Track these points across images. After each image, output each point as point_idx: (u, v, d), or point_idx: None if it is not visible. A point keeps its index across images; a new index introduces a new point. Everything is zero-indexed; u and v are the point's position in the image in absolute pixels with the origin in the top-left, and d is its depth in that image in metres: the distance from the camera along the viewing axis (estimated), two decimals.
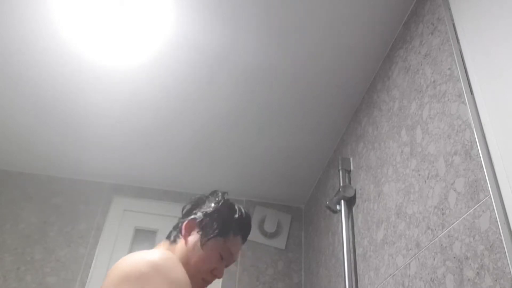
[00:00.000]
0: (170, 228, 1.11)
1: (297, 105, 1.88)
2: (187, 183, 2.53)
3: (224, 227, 1.05)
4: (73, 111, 2.01)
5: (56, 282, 2.20)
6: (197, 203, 1.13)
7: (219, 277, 1.04)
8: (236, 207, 1.11)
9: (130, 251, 2.38)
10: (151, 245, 2.40)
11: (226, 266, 1.06)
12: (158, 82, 1.81)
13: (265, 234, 2.52)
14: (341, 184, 1.74)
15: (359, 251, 1.58)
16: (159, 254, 0.89)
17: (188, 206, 1.13)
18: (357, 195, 1.68)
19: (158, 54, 1.67)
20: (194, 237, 1.03)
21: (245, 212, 1.12)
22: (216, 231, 1.03)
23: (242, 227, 1.09)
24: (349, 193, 1.70)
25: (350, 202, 1.72)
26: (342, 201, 1.71)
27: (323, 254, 2.08)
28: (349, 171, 1.80)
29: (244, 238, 1.10)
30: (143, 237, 2.45)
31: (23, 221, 2.36)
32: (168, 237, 1.08)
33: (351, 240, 1.66)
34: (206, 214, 1.07)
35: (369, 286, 1.44)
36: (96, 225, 2.40)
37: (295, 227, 2.60)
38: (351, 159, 1.82)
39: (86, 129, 2.12)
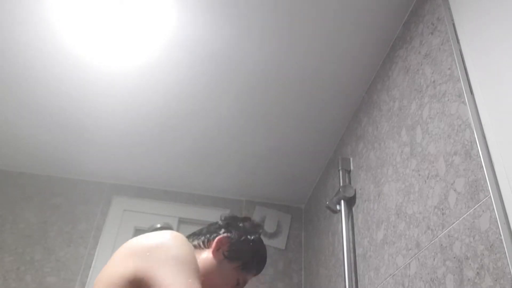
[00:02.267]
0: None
1: (297, 105, 1.87)
2: (187, 183, 2.53)
3: (249, 261, 1.06)
4: (72, 111, 2.01)
5: (56, 282, 2.20)
6: (235, 222, 1.12)
7: None
8: (265, 247, 1.13)
9: None
10: None
11: None
12: (158, 82, 1.81)
13: (265, 234, 2.52)
14: (341, 184, 1.74)
15: (359, 251, 1.58)
16: (169, 232, 0.87)
17: (223, 221, 1.12)
18: (357, 195, 1.68)
19: (159, 55, 1.67)
20: (220, 254, 1.03)
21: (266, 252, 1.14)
22: (241, 260, 1.04)
23: (261, 267, 1.11)
24: (349, 193, 1.70)
25: (350, 202, 1.72)
26: (342, 201, 1.71)
27: (323, 254, 2.08)
28: (349, 171, 1.80)
29: (257, 274, 1.12)
30: None
31: (23, 221, 2.36)
32: (194, 239, 1.07)
33: (351, 240, 1.66)
34: (240, 240, 1.06)
35: (369, 286, 1.44)
36: (96, 225, 2.40)
37: (295, 227, 2.60)
38: (351, 159, 1.82)
39: (86, 129, 2.12)
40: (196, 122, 2.02)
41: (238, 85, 1.79)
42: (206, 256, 1.02)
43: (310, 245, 2.38)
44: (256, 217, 2.57)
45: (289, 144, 2.13)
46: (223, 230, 1.07)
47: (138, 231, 2.46)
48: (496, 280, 0.80)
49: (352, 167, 1.79)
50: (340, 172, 1.78)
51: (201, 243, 1.05)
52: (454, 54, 1.09)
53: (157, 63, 1.71)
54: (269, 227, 2.53)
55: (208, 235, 1.07)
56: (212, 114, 1.96)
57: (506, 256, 0.78)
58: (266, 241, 2.49)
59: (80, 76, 1.80)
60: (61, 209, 2.43)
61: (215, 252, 1.03)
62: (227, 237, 1.05)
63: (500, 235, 0.81)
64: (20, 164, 2.47)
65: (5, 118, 2.09)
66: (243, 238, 1.07)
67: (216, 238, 1.04)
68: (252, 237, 1.09)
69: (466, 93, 1.01)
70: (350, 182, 1.77)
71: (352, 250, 1.62)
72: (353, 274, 1.57)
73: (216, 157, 2.27)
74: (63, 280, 2.21)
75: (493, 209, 0.84)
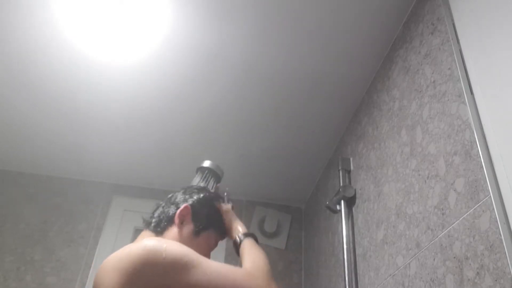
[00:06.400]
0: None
1: (297, 105, 1.87)
2: (188, 183, 2.52)
3: (213, 217, 1.06)
4: (72, 111, 2.01)
5: (56, 282, 2.20)
6: (186, 192, 1.13)
7: None
8: None
9: None
10: None
11: None
12: (156, 80, 1.81)
13: (265, 234, 2.52)
14: (341, 184, 1.74)
15: (359, 251, 1.58)
16: (147, 240, 0.86)
17: (178, 195, 1.12)
18: (357, 195, 1.68)
19: (155, 52, 1.66)
20: (188, 226, 1.01)
21: None
22: (207, 220, 1.03)
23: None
24: (349, 193, 1.70)
25: (350, 202, 1.72)
26: (342, 201, 1.71)
27: (323, 254, 2.08)
28: (349, 171, 1.80)
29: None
30: None
31: (23, 221, 2.35)
32: (152, 227, 1.05)
33: (351, 240, 1.66)
34: (198, 201, 1.06)
35: (369, 286, 1.44)
36: (96, 225, 2.40)
37: (295, 227, 2.60)
38: (351, 159, 1.82)
39: (86, 129, 2.12)
40: (195, 121, 2.02)
41: (237, 84, 1.79)
42: (172, 234, 0.98)
43: (310, 245, 2.38)
44: (256, 217, 2.57)
45: (289, 144, 2.13)
46: (178, 203, 1.06)
47: (138, 231, 2.45)
48: (496, 280, 0.80)
49: (352, 167, 1.79)
50: (340, 172, 1.78)
51: (165, 227, 1.01)
52: (454, 54, 1.09)
53: (154, 60, 1.70)
54: (269, 227, 2.53)
55: (165, 214, 1.04)
56: (212, 113, 1.96)
57: (506, 256, 0.78)
58: (266, 241, 2.50)
59: (81, 75, 1.80)
60: (61, 209, 2.43)
61: (180, 227, 0.99)
62: (185, 207, 1.03)
63: (500, 235, 0.81)
64: (20, 164, 2.47)
65: (5, 118, 2.09)
66: (199, 198, 1.06)
67: (176, 213, 1.01)
68: (206, 195, 1.08)
69: (466, 93, 1.01)
70: (350, 182, 1.77)
71: (352, 250, 1.62)
72: (353, 274, 1.57)
73: (216, 157, 2.26)
74: (63, 280, 2.21)
75: (493, 209, 0.84)
